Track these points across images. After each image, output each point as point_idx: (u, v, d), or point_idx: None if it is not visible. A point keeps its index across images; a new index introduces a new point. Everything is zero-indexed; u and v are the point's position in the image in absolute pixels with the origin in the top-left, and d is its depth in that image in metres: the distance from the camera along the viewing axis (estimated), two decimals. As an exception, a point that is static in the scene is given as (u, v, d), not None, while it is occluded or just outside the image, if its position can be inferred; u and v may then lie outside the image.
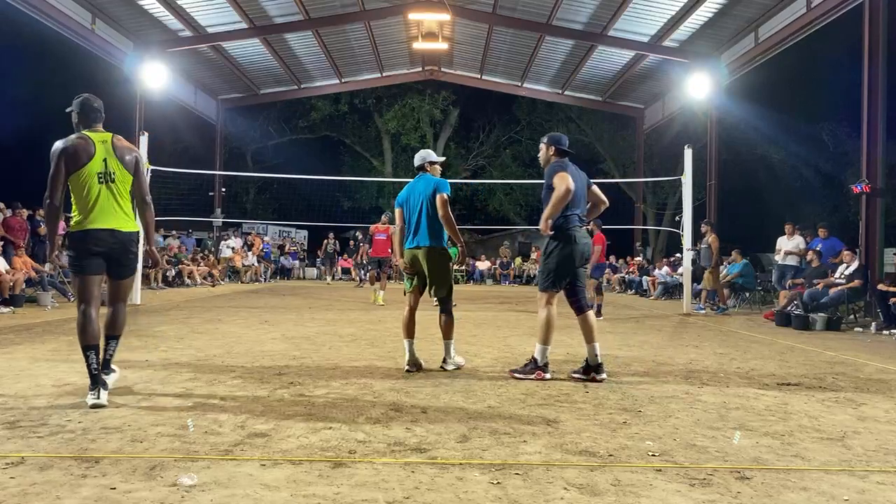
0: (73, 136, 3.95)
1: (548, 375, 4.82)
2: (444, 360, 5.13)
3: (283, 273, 23.39)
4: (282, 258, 23.80)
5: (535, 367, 4.81)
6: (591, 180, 5.13)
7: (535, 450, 3.05)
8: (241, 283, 19.30)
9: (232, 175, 24.21)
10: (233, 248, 20.32)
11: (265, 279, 20.98)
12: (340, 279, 22.44)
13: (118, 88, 18.43)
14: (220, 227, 22.61)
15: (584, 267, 5.01)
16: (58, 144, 3.89)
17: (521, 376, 4.79)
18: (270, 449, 2.98)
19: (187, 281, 16.62)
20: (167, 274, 15.79)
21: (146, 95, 17.51)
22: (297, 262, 24.72)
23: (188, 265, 17.08)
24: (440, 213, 4.98)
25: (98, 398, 3.69)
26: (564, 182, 4.61)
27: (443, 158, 5.64)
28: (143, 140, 11.17)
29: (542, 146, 5.09)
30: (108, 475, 2.59)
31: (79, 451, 2.88)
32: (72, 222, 3.94)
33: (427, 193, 5.06)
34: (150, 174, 11.02)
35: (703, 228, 12.27)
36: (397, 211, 5.31)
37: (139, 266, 4.43)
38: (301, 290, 16.55)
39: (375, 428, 3.37)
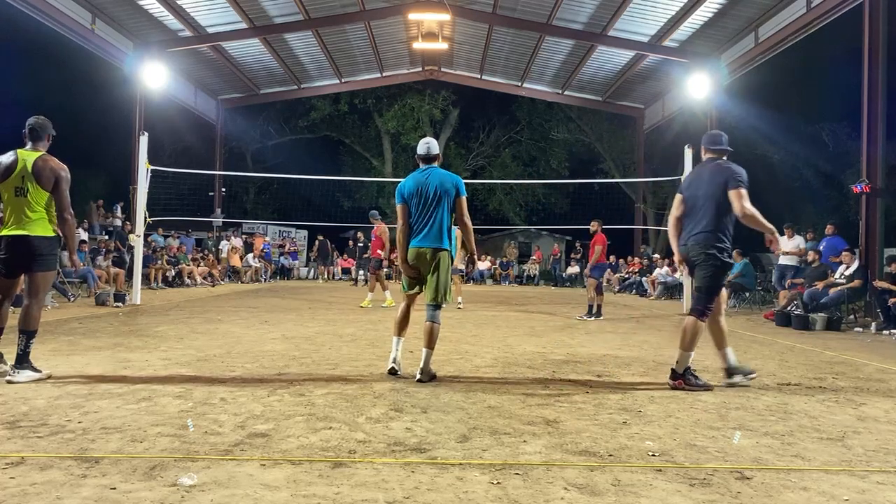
0: (8, 153, 4.45)
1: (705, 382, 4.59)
2: (421, 371, 4.58)
3: (284, 273, 23.38)
4: (281, 258, 23.77)
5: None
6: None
7: (535, 450, 3.05)
8: (241, 283, 19.30)
9: (232, 175, 24.20)
10: (230, 244, 20.30)
11: (265, 279, 20.97)
12: (340, 279, 22.39)
13: (118, 88, 18.48)
14: (220, 227, 22.59)
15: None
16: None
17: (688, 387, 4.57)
18: (270, 449, 2.98)
19: (187, 281, 16.61)
20: (167, 274, 15.79)
21: (146, 95, 17.49)
22: (296, 262, 24.70)
23: (188, 266, 17.07)
24: (463, 217, 4.71)
25: None
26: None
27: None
28: (143, 140, 11.10)
29: None
30: (108, 475, 2.59)
31: (79, 451, 2.87)
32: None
33: (444, 190, 4.64)
34: (149, 174, 11.06)
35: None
36: (401, 207, 4.77)
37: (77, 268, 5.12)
38: (301, 290, 16.55)
39: (375, 428, 3.37)
